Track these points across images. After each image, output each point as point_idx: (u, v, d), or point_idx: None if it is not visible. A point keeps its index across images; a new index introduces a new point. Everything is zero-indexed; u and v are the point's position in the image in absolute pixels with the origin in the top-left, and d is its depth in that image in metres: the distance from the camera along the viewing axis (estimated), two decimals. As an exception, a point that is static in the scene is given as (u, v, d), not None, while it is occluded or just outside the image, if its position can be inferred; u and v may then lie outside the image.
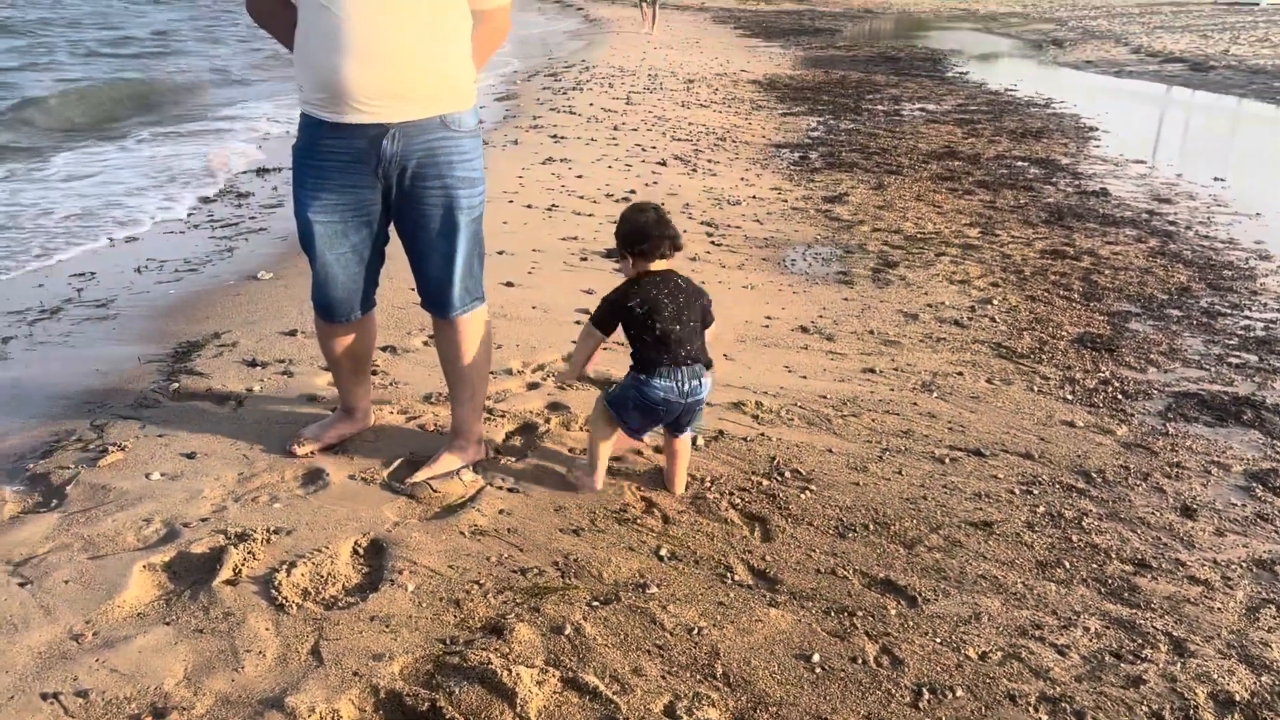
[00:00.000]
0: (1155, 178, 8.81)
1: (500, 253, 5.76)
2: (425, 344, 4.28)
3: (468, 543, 2.79)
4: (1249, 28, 22.20)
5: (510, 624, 2.44)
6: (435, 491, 3.05)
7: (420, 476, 3.10)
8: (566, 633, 2.43)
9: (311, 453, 3.25)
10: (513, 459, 3.28)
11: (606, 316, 3.05)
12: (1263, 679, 2.40)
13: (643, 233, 3.00)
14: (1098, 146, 10.31)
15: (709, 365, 3.06)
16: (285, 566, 2.63)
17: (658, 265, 3.03)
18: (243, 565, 2.65)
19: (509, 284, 5.21)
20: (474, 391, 3.17)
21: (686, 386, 2.98)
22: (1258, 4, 26.36)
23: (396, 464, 3.21)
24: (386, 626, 2.43)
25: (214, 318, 4.67)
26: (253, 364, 4.01)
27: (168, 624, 2.43)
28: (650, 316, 2.96)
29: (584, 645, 2.39)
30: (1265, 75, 16.12)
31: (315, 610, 2.49)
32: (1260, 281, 5.79)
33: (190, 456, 3.23)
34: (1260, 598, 2.73)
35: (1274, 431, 3.80)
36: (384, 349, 4.18)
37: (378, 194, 2.91)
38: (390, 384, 3.85)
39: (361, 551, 2.77)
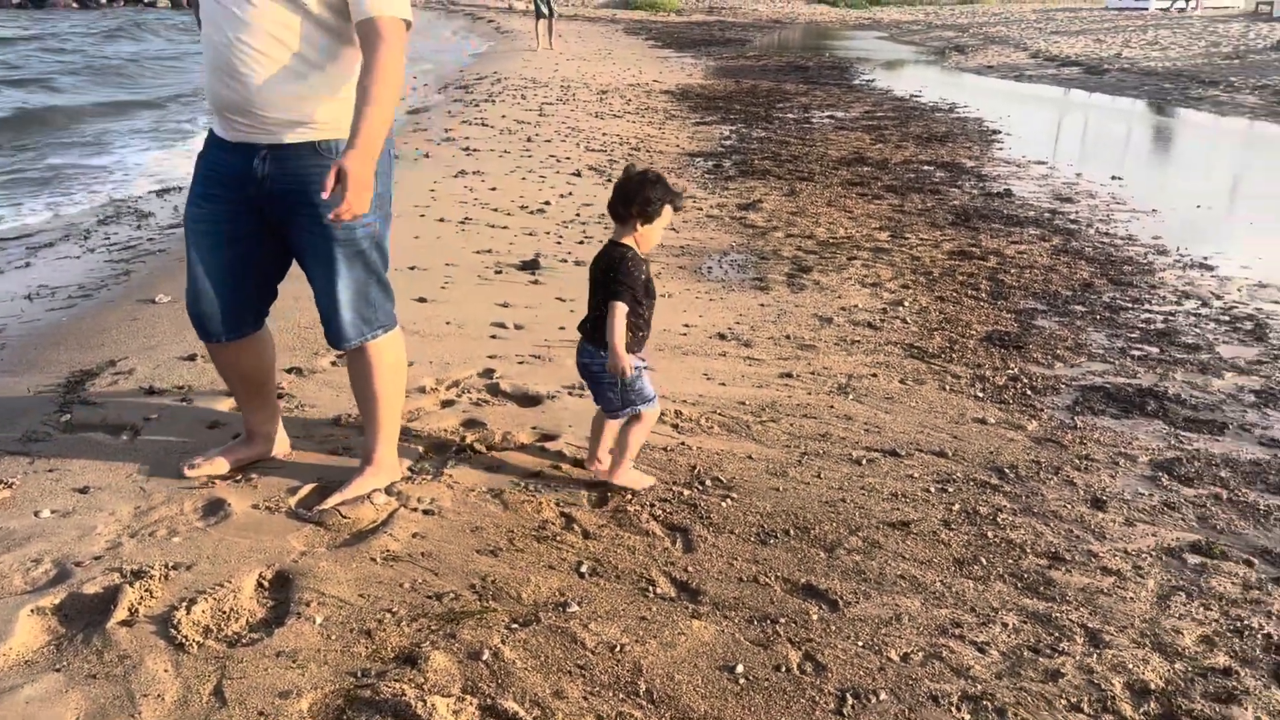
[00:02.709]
0: (1056, 178, 9.06)
1: (412, 268, 5.65)
2: (333, 364, 4.15)
3: (379, 569, 2.70)
4: (1139, 31, 23.09)
5: (425, 652, 2.36)
6: (345, 518, 2.94)
7: (330, 503, 2.99)
8: (484, 658, 2.35)
9: (209, 479, 3.12)
10: (427, 478, 3.19)
11: (640, 291, 3.02)
12: (1176, 666, 2.44)
13: (658, 193, 2.98)
14: (1000, 149, 10.58)
15: None
16: (185, 604, 2.50)
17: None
18: (139, 604, 2.52)
19: (421, 299, 5.10)
20: (385, 418, 3.08)
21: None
22: (1146, 9, 27.44)
23: (304, 491, 3.10)
24: (293, 662, 2.32)
25: (109, 344, 4.47)
26: (150, 391, 3.85)
27: (58, 670, 2.28)
28: (650, 283, 3.05)
29: (503, 670, 2.32)
30: (1156, 76, 16.77)
31: (217, 648, 2.38)
32: (1158, 275, 5.98)
33: (83, 491, 3.07)
34: (1170, 585, 2.79)
35: (1177, 421, 3.90)
36: (290, 370, 4.05)
37: (255, 216, 2.81)
38: (297, 407, 3.73)
39: (266, 584, 2.65)
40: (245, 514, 2.95)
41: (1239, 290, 5.72)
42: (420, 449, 3.41)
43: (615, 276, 2.98)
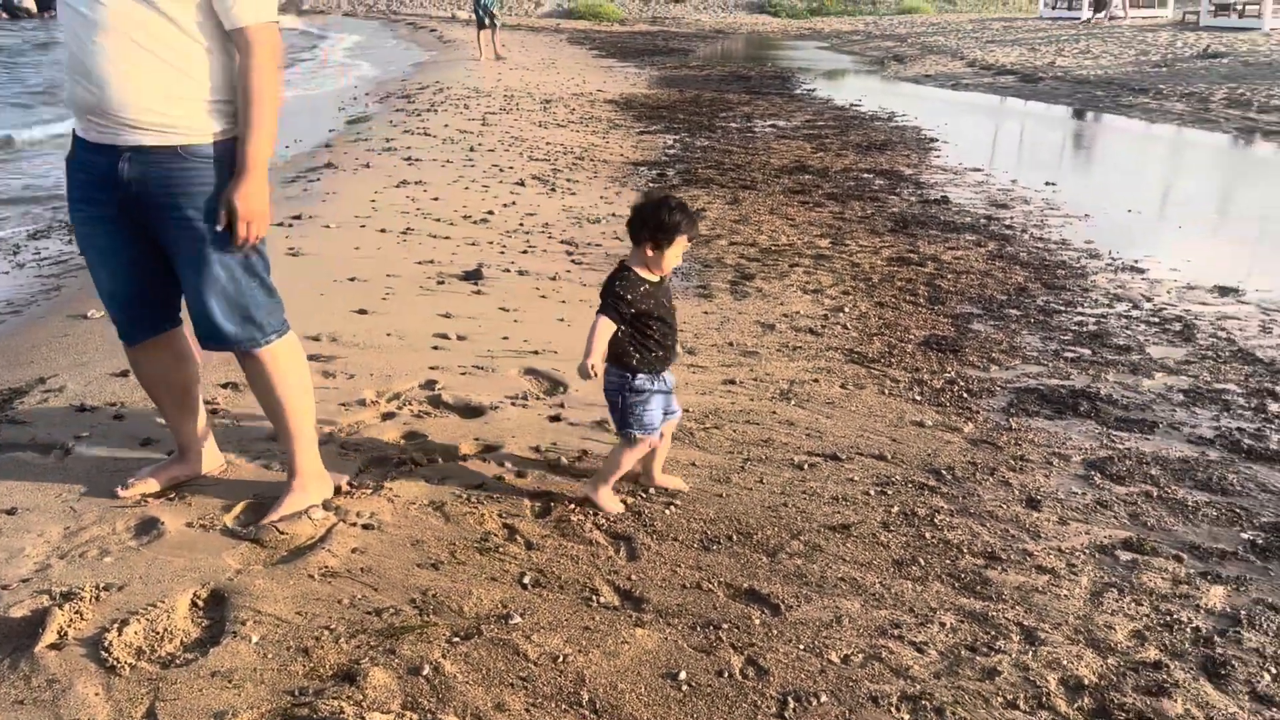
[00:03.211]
0: (992, 184, 9.24)
1: (352, 279, 5.59)
2: (271, 378, 4.09)
3: (317, 586, 2.66)
4: (1072, 40, 23.64)
5: (364, 669, 2.33)
6: (282, 534, 2.90)
7: (266, 521, 2.94)
8: (425, 673, 2.33)
9: (142, 497, 3.05)
10: (367, 492, 3.16)
11: (638, 309, 3.07)
12: (1109, 661, 2.50)
13: (673, 220, 2.99)
14: (938, 157, 10.76)
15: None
16: (116, 625, 2.45)
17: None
18: (69, 627, 2.45)
19: (362, 311, 5.05)
20: (298, 427, 3.00)
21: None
22: (1078, 18, 28.11)
23: (239, 508, 3.04)
24: (229, 682, 2.28)
25: (39, 361, 4.36)
26: (81, 409, 3.76)
27: (-18, 699, 2.22)
28: (661, 304, 3.12)
29: (443, 685, 2.30)
30: (1089, 84, 17.18)
31: (150, 670, 2.33)
32: (1091, 279, 6.12)
33: (10, 513, 2.99)
34: (1103, 582, 2.85)
35: (1109, 421, 4.00)
36: (225, 385, 3.98)
37: (128, 217, 2.78)
38: (232, 423, 3.66)
39: (201, 603, 2.60)
40: (179, 532, 2.90)
41: (1168, 292, 5.88)
42: (360, 463, 3.37)
43: (604, 292, 3.06)
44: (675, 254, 3.04)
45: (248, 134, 2.68)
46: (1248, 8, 23.92)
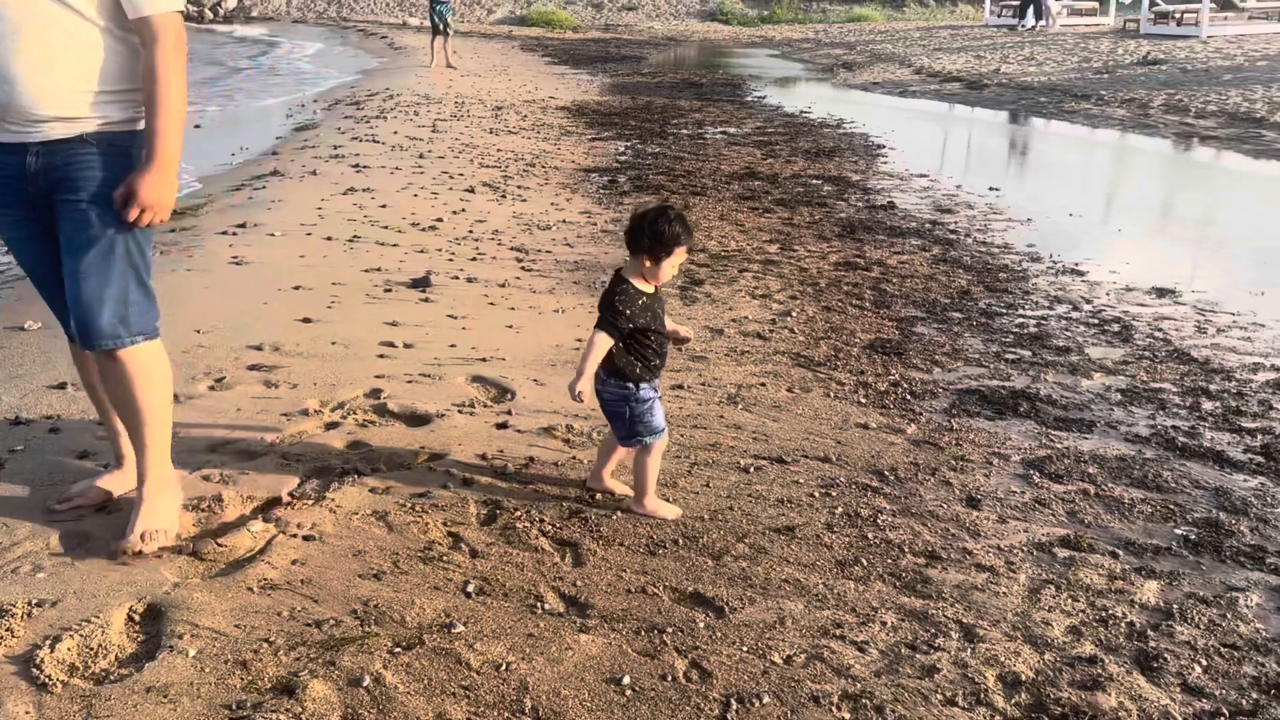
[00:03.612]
0: (938, 190, 9.38)
1: (297, 288, 5.53)
2: (211, 389, 4.04)
3: (256, 598, 2.63)
4: (1016, 47, 24.05)
5: (303, 681, 2.30)
6: (220, 547, 2.85)
7: (132, 541, 2.80)
8: (365, 684, 2.31)
9: (77, 511, 2.99)
10: (309, 503, 3.12)
11: (637, 322, 3.07)
12: (1045, 656, 2.54)
13: (671, 230, 3.00)
14: (885, 163, 10.89)
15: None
16: (49, 642, 2.40)
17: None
18: (-2, 645, 2.40)
19: (306, 320, 4.99)
20: (152, 433, 2.89)
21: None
22: (1017, 26, 28.60)
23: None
24: (165, 697, 2.24)
25: (-28, 375, 4.26)
26: (16, 422, 3.68)
27: (-94, 721, 2.16)
28: (658, 315, 3.13)
29: (384, 696, 2.28)
30: (1033, 91, 17.49)
31: (84, 686, 2.28)
32: (1032, 282, 6.23)
33: (-61, 530, 2.92)
34: (1040, 579, 2.90)
35: (1048, 421, 4.07)
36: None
37: (41, 212, 2.75)
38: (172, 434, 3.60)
39: (137, 618, 2.56)
40: (115, 546, 2.84)
41: (1108, 294, 6.00)
42: (302, 473, 3.33)
43: (603, 306, 3.05)
44: (673, 265, 3.06)
45: (155, 124, 2.66)
46: (1185, 16, 24.51)
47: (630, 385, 3.06)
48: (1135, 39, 23.62)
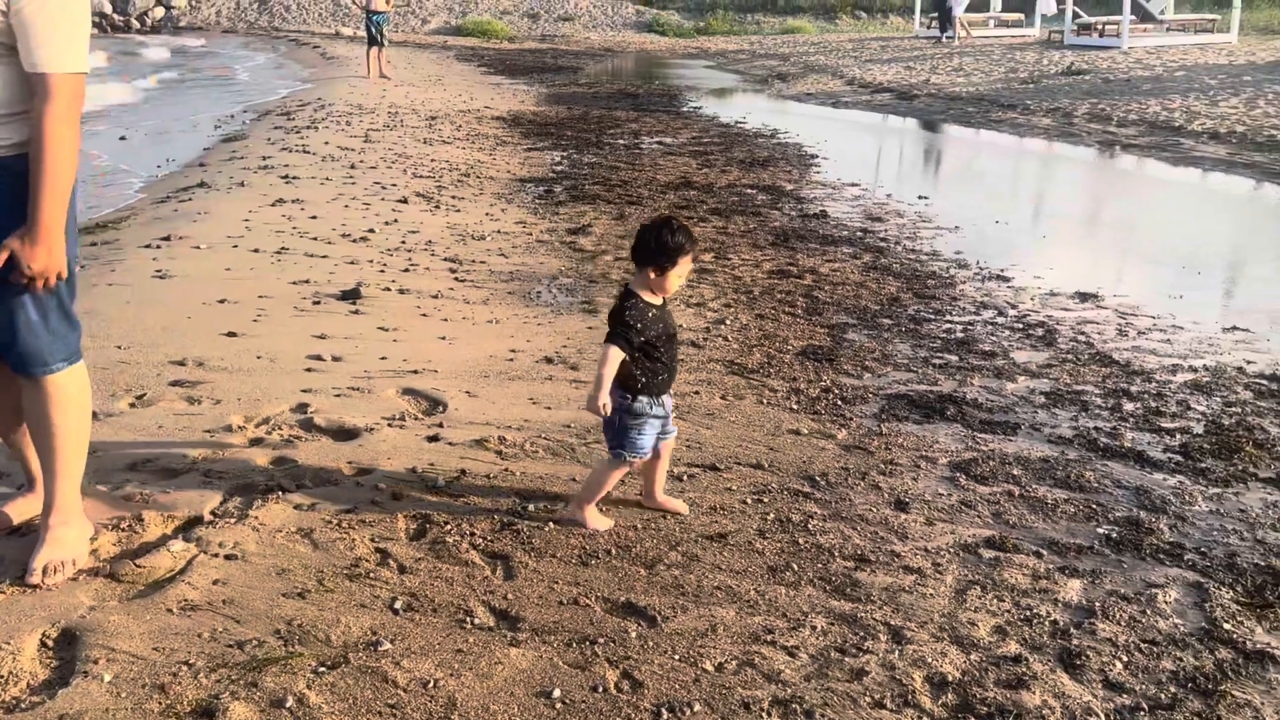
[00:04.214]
0: (868, 199, 9.51)
1: (222, 301, 5.42)
2: (132, 406, 3.93)
3: (176, 620, 2.56)
4: (945, 58, 24.54)
5: (224, 704, 2.25)
6: (139, 568, 2.78)
7: (34, 570, 2.70)
8: (288, 705, 2.26)
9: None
10: (231, 521, 3.05)
11: (647, 336, 3.07)
12: (972, 656, 2.58)
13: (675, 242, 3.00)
14: (818, 172, 11.02)
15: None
16: (-46, 672, 2.31)
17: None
18: (-100, 677, 2.30)
19: (231, 334, 4.89)
20: (65, 458, 2.80)
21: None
22: (940, 38, 29.19)
23: (94, 544, 2.90)
24: (77, 725, 2.17)
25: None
26: (-77, 444, 3.54)
27: None
28: (668, 328, 3.14)
29: (307, 716, 2.24)
30: (961, 101, 17.86)
31: (-10, 718, 2.20)
32: (959, 288, 6.35)
33: None
34: (967, 580, 2.95)
35: (974, 424, 4.14)
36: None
37: None
38: (90, 453, 3.49)
39: (51, 644, 2.47)
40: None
41: (1032, 299, 6.13)
42: (224, 491, 3.26)
43: (613, 320, 3.05)
44: (679, 275, 3.07)
45: (40, 191, 2.48)
46: (1107, 28, 25.22)
47: (627, 395, 3.07)
48: (1060, 50, 24.24)
